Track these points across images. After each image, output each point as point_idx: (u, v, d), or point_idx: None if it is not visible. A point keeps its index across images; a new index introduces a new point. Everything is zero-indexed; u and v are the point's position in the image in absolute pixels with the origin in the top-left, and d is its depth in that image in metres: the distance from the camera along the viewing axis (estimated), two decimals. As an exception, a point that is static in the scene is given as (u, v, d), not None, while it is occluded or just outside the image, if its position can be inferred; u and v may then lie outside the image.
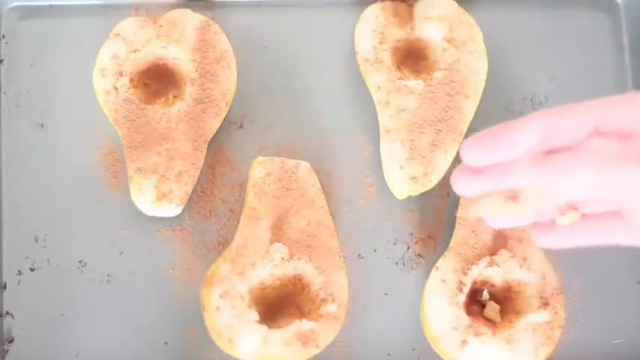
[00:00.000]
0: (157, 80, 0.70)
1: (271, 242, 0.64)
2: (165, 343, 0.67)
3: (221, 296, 0.61)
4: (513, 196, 0.48)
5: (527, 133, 0.46)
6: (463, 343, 0.63)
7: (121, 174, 0.69)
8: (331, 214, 0.67)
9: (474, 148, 0.47)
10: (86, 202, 0.69)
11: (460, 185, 0.49)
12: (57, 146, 0.70)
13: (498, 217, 0.51)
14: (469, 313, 0.64)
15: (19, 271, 0.68)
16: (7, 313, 0.67)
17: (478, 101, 0.69)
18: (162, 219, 0.68)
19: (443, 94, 0.68)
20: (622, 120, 0.45)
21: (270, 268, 0.64)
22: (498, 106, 0.73)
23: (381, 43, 0.70)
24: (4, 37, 0.72)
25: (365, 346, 0.68)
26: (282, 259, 0.63)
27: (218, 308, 0.61)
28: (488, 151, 0.47)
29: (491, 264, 0.65)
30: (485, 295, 0.66)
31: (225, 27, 0.70)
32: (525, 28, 0.75)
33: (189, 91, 0.68)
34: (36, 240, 0.68)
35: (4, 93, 0.71)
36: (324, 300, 0.63)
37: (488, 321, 0.65)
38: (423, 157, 0.67)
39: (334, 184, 0.70)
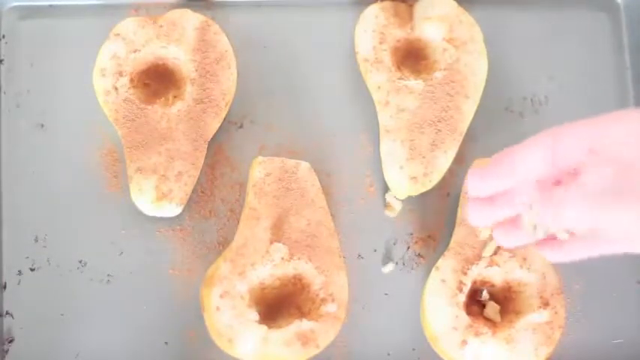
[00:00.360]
0: (157, 80, 0.70)
1: (271, 242, 0.64)
2: (165, 343, 0.67)
3: (221, 296, 0.61)
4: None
5: (526, 160, 0.47)
6: (463, 343, 0.63)
7: (121, 174, 0.69)
8: (331, 214, 0.67)
9: (479, 179, 0.49)
10: (86, 202, 0.69)
11: (474, 217, 0.51)
12: (57, 146, 0.70)
13: (508, 238, 0.53)
14: (469, 313, 0.64)
15: (19, 271, 0.68)
16: (7, 313, 0.67)
17: (478, 101, 0.69)
18: (162, 219, 0.68)
19: (443, 94, 0.68)
20: (615, 144, 0.45)
21: (270, 268, 0.64)
22: (498, 106, 0.73)
23: (381, 43, 0.70)
24: (4, 37, 0.72)
25: (365, 346, 0.68)
26: (282, 259, 0.63)
27: (218, 308, 0.61)
28: (491, 180, 0.49)
29: (491, 264, 0.65)
30: (485, 295, 0.66)
31: (225, 27, 0.70)
32: (525, 28, 0.75)
33: (189, 91, 0.68)
34: (36, 240, 0.68)
35: (4, 93, 0.71)
36: (324, 300, 0.63)
37: (488, 321, 0.65)
38: (423, 157, 0.67)
39: (334, 184, 0.70)
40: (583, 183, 0.46)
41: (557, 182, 0.48)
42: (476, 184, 0.49)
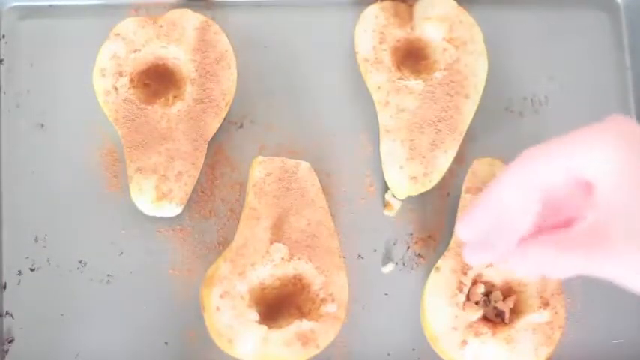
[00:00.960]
0: (157, 80, 0.70)
1: (271, 242, 0.64)
2: (165, 343, 0.67)
3: (221, 296, 0.61)
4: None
5: (503, 197, 0.47)
6: (463, 343, 0.63)
7: (121, 174, 0.69)
8: (331, 214, 0.67)
9: (464, 228, 0.50)
10: (86, 202, 0.69)
11: (472, 262, 0.52)
12: (57, 146, 0.70)
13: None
14: (481, 317, 0.64)
15: (19, 271, 0.68)
16: (7, 313, 0.67)
17: (478, 101, 0.69)
18: (162, 219, 0.68)
19: (443, 94, 0.68)
20: (591, 168, 0.44)
21: (270, 268, 0.64)
22: (498, 106, 0.73)
23: (381, 43, 0.70)
24: (4, 37, 0.72)
25: (365, 346, 0.68)
26: (282, 259, 0.63)
27: (218, 308, 0.61)
28: (476, 225, 0.49)
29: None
30: (481, 289, 0.65)
31: (225, 27, 0.70)
32: (525, 28, 0.75)
33: (189, 91, 0.68)
34: (36, 240, 0.68)
35: (4, 93, 0.71)
36: (324, 300, 0.63)
37: (489, 321, 0.65)
38: (423, 157, 0.67)
39: (334, 184, 0.70)
40: (566, 237, 0.45)
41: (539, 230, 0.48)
42: (463, 232, 0.50)
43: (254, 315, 0.61)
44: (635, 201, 0.43)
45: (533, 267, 0.47)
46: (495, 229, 0.48)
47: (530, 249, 0.46)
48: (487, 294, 0.66)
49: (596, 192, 0.44)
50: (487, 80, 0.70)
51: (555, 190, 0.46)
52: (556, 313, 0.64)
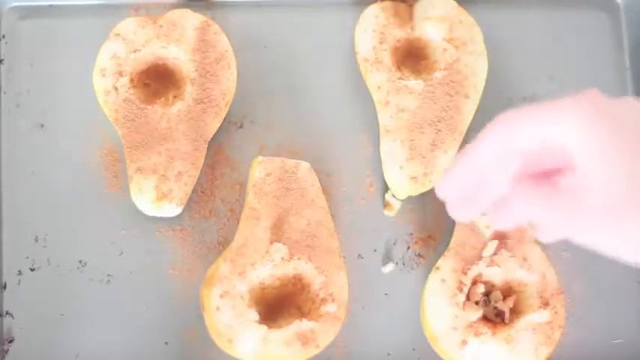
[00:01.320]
0: (157, 80, 0.70)
1: (271, 242, 0.64)
2: (165, 343, 0.67)
3: (221, 296, 0.61)
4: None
5: (482, 156, 0.47)
6: (463, 343, 0.63)
7: (121, 174, 0.69)
8: (331, 214, 0.67)
9: (444, 187, 0.49)
10: (86, 202, 0.69)
11: (458, 217, 0.51)
12: (57, 146, 0.70)
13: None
14: (481, 317, 0.64)
15: (19, 271, 0.68)
16: (7, 313, 0.67)
17: (478, 101, 0.69)
18: (162, 219, 0.68)
19: (443, 94, 0.68)
20: (563, 137, 0.44)
21: (270, 268, 0.64)
22: (498, 106, 0.72)
23: (381, 43, 0.70)
24: (4, 37, 0.72)
25: (365, 346, 0.68)
26: (282, 259, 0.63)
27: (218, 308, 0.61)
28: (456, 182, 0.48)
29: (491, 264, 0.65)
30: (498, 295, 0.65)
31: (225, 27, 0.70)
32: (525, 28, 0.75)
33: (189, 91, 0.68)
34: (36, 240, 0.68)
35: (4, 93, 0.71)
36: (324, 300, 0.63)
37: (489, 321, 0.65)
38: (423, 157, 0.67)
39: (334, 184, 0.70)
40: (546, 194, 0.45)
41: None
42: (442, 191, 0.49)
43: (254, 315, 0.61)
44: (609, 172, 0.43)
45: (516, 222, 0.47)
46: (476, 187, 0.48)
47: (514, 207, 0.46)
48: (487, 294, 0.66)
49: (570, 159, 0.44)
50: (487, 80, 0.70)
51: (532, 154, 0.46)
52: (556, 313, 0.64)
